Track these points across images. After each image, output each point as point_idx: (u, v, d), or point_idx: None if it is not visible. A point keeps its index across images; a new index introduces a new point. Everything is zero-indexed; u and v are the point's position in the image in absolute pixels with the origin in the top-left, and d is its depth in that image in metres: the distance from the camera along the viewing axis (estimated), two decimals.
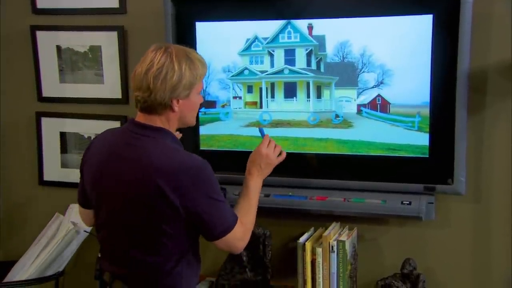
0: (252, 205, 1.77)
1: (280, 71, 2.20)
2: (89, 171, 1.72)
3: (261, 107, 2.25)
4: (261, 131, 1.94)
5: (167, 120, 1.65)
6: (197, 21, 2.25)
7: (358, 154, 2.14)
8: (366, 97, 2.11)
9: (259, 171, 1.83)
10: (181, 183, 1.55)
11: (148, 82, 1.57)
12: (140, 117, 1.65)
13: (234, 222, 1.65)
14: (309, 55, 2.15)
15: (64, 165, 2.63)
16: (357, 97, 2.12)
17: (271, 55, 2.20)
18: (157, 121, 1.64)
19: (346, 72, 2.12)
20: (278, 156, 1.88)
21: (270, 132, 2.19)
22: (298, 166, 2.21)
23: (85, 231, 2.33)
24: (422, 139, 2.06)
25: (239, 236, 1.68)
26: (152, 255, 1.63)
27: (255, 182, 1.82)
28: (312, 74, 2.16)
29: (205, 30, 2.26)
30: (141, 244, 1.63)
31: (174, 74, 1.57)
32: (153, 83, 1.57)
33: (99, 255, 1.79)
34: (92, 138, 2.57)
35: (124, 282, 1.69)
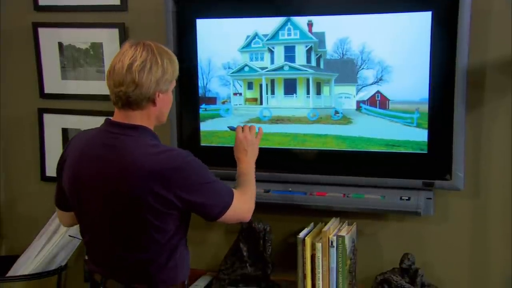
0: (248, 180, 1.85)
1: (280, 68, 2.20)
2: (67, 175, 1.69)
3: (261, 103, 2.25)
4: (231, 128, 2.03)
5: (148, 116, 1.63)
6: (198, 18, 2.25)
7: (357, 150, 2.15)
8: (366, 94, 2.11)
9: (246, 154, 1.91)
10: (171, 179, 1.55)
11: (133, 76, 1.56)
12: (118, 116, 1.63)
13: (231, 198, 1.69)
14: (309, 51, 2.16)
15: None
16: (357, 94, 2.13)
17: (271, 52, 2.20)
18: (136, 118, 1.62)
19: (346, 69, 2.12)
20: (257, 134, 1.97)
21: (270, 128, 2.24)
22: (298, 162, 2.22)
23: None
24: (420, 135, 2.06)
25: (240, 207, 1.73)
26: (144, 252, 1.62)
27: (246, 164, 1.90)
28: (312, 71, 2.17)
29: (205, 27, 2.26)
30: (132, 243, 1.62)
31: (158, 68, 1.58)
32: (139, 76, 1.56)
33: (86, 258, 1.78)
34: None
35: (117, 280, 1.67)
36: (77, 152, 1.67)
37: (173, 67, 1.63)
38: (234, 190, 1.74)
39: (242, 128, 1.96)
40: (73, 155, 1.68)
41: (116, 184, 1.57)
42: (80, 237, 2.22)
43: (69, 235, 2.38)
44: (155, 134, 1.68)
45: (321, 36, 2.13)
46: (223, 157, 2.24)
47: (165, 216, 1.59)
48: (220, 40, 2.25)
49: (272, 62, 2.21)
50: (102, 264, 1.71)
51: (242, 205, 1.75)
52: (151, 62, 1.57)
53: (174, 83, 1.68)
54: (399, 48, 2.05)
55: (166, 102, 1.66)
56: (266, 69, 2.23)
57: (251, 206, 1.81)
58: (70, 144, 1.74)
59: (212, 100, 2.30)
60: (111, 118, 1.66)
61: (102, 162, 1.59)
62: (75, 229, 2.35)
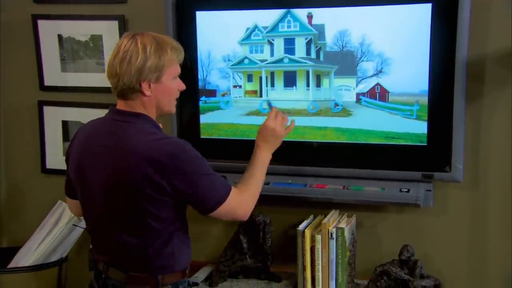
0: (254, 174, 1.78)
1: (280, 60, 2.20)
2: (73, 162, 1.73)
3: (261, 96, 2.25)
4: (269, 104, 1.95)
5: (144, 106, 1.65)
6: (197, 10, 2.25)
7: (357, 142, 2.15)
8: (365, 86, 2.11)
9: (267, 144, 1.85)
10: (166, 166, 1.56)
11: (115, 67, 1.60)
12: (120, 105, 1.67)
13: (226, 192, 1.66)
14: (308, 44, 2.15)
15: None
16: (356, 86, 2.12)
17: (271, 44, 2.20)
18: (135, 107, 1.65)
19: (346, 61, 2.12)
20: (286, 128, 1.90)
21: None
22: (297, 154, 2.22)
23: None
24: (420, 127, 2.06)
25: (235, 205, 1.69)
26: (141, 238, 1.63)
27: (261, 154, 1.83)
28: (311, 63, 2.17)
29: (205, 19, 2.25)
30: (129, 228, 1.64)
31: (138, 57, 1.59)
32: (119, 67, 1.59)
33: (91, 247, 1.80)
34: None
35: (118, 268, 1.69)
36: (82, 140, 1.71)
37: (159, 55, 1.61)
38: (233, 187, 1.71)
39: (276, 113, 1.88)
40: (78, 143, 1.72)
41: (115, 170, 1.59)
42: (82, 226, 2.25)
43: (73, 224, 2.39)
44: (155, 123, 1.69)
45: (320, 28, 2.13)
46: (223, 150, 2.25)
47: (160, 203, 1.60)
48: (219, 32, 2.24)
49: (272, 54, 2.21)
50: (104, 252, 1.73)
51: (238, 204, 1.70)
52: (131, 52, 1.59)
53: (171, 71, 1.65)
54: (399, 40, 2.04)
55: (161, 91, 1.65)
56: (266, 62, 2.22)
57: (249, 206, 1.75)
58: (78, 133, 1.78)
59: (212, 93, 2.30)
60: (115, 106, 1.69)
61: (103, 149, 1.63)
62: (76, 219, 2.37)
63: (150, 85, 1.62)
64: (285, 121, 1.90)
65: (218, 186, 1.66)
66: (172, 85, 1.69)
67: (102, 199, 1.65)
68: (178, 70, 1.70)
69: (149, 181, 1.56)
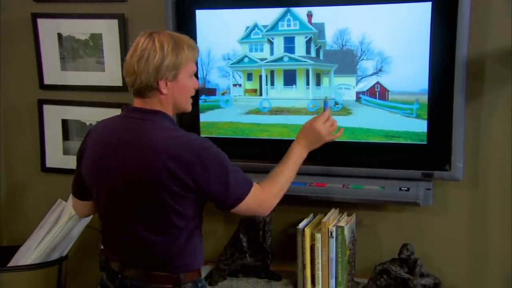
0: (283, 172, 1.76)
1: (280, 59, 2.20)
2: (89, 160, 1.71)
3: (260, 94, 2.25)
4: (325, 103, 1.89)
5: (161, 104, 1.65)
6: (197, 9, 2.24)
7: (357, 141, 2.14)
8: (365, 85, 2.11)
9: (307, 142, 1.83)
10: (189, 163, 1.56)
11: (133, 65, 1.60)
12: (137, 103, 1.67)
13: (247, 190, 1.65)
14: (308, 42, 2.15)
15: (66, 152, 2.64)
16: (356, 85, 2.12)
17: (271, 43, 2.20)
18: (153, 105, 1.65)
19: (345, 60, 2.11)
20: (333, 134, 1.87)
21: (269, 119, 2.23)
22: None
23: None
24: (420, 126, 2.06)
25: (256, 203, 1.68)
26: (164, 235, 1.63)
27: (298, 151, 1.81)
28: (311, 62, 2.16)
29: (205, 18, 2.25)
30: (152, 226, 1.63)
31: (156, 55, 1.59)
32: (137, 65, 1.59)
33: (102, 247, 1.78)
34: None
35: (136, 268, 1.68)
36: (96, 138, 1.71)
37: (177, 54, 1.61)
38: (256, 183, 1.69)
39: (327, 117, 1.84)
40: (92, 142, 1.72)
41: (136, 166, 1.59)
42: (96, 228, 2.24)
43: (87, 225, 2.39)
44: (173, 120, 1.70)
45: (320, 27, 2.13)
46: (223, 149, 2.23)
47: (183, 199, 1.60)
48: (219, 31, 2.24)
49: (271, 53, 2.21)
50: (120, 252, 1.71)
51: (258, 202, 1.69)
52: (149, 51, 1.59)
53: (188, 69, 1.66)
54: (399, 38, 2.04)
55: (177, 89, 1.65)
56: (266, 60, 2.22)
57: (271, 204, 1.74)
58: (90, 132, 1.78)
59: (212, 91, 2.29)
60: (131, 104, 1.70)
61: (123, 146, 1.62)
62: (75, 221, 2.36)
63: (167, 83, 1.63)
64: (334, 128, 1.87)
65: (239, 183, 1.64)
66: (189, 83, 1.68)
67: (123, 196, 1.64)
68: (194, 68, 1.70)
69: (173, 177, 1.56)
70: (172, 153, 1.56)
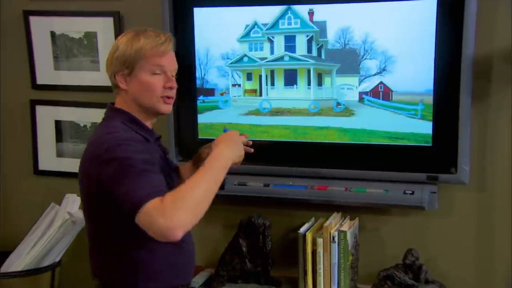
0: (196, 179, 1.39)
1: (280, 58, 2.18)
2: None
3: (260, 95, 2.23)
4: (224, 130, 1.70)
5: (125, 101, 1.59)
6: (195, 6, 2.23)
7: (359, 143, 2.13)
8: (368, 85, 2.10)
9: (224, 146, 1.51)
10: (99, 160, 1.44)
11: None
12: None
13: (145, 196, 1.33)
14: (309, 41, 2.14)
15: (59, 154, 2.61)
16: (359, 85, 2.11)
17: (271, 42, 2.18)
18: (118, 102, 1.61)
19: (348, 59, 2.11)
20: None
21: (269, 120, 2.23)
22: (298, 155, 2.20)
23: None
24: (425, 128, 2.05)
25: (156, 213, 1.31)
26: (98, 241, 1.57)
27: (217, 154, 1.48)
28: (313, 61, 2.15)
29: (203, 16, 2.23)
30: (90, 232, 1.60)
31: (112, 49, 1.57)
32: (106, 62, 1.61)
33: None
34: (88, 127, 2.54)
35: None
36: None
37: (129, 46, 1.54)
38: (161, 195, 1.35)
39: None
40: None
41: (80, 173, 1.56)
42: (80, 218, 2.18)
43: (67, 211, 2.35)
44: (132, 119, 1.58)
45: (322, 25, 2.11)
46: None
47: (102, 206, 1.49)
48: (218, 29, 2.23)
49: (272, 52, 2.19)
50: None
51: (160, 211, 1.31)
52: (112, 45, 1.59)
53: (145, 64, 1.54)
54: (403, 37, 2.03)
55: (137, 85, 1.56)
56: (266, 60, 2.21)
57: (177, 218, 1.31)
58: None
59: (210, 92, 2.28)
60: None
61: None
62: (69, 225, 2.32)
63: (126, 78, 1.57)
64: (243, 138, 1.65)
65: (139, 187, 1.36)
66: (151, 79, 1.56)
67: (83, 200, 1.61)
68: (157, 62, 1.55)
69: (90, 179, 1.48)
70: (92, 152, 1.49)
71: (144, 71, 1.55)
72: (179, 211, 1.31)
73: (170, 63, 1.59)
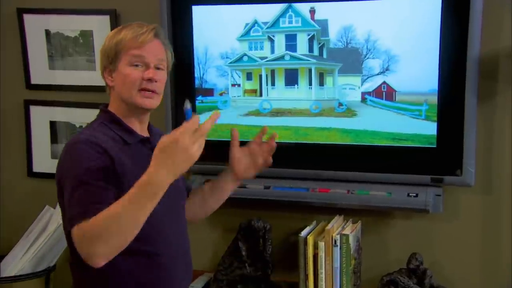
0: (116, 212, 1.27)
1: (281, 58, 2.17)
2: None
3: (261, 95, 2.22)
4: (187, 112, 1.38)
5: (114, 99, 1.56)
6: (194, 4, 2.22)
7: (362, 144, 2.12)
8: (371, 85, 2.09)
9: (157, 162, 1.26)
10: (59, 163, 1.47)
11: None
12: None
13: (75, 217, 1.31)
14: (311, 40, 2.13)
15: (54, 155, 2.58)
16: (362, 85, 2.10)
17: (271, 41, 2.17)
18: (110, 102, 1.58)
19: (350, 58, 2.10)
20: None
21: (270, 121, 2.21)
22: (299, 157, 2.19)
23: None
24: (429, 128, 2.04)
25: (76, 240, 1.30)
26: (73, 261, 1.48)
27: (150, 181, 1.26)
28: (314, 61, 2.14)
29: (201, 14, 2.22)
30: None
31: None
32: None
33: None
34: (83, 128, 2.50)
35: None
36: None
37: (112, 39, 1.51)
38: (92, 214, 1.29)
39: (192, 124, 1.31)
40: None
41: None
42: None
43: None
44: (114, 118, 1.53)
45: (324, 24, 2.10)
46: (221, 152, 2.17)
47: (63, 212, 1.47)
48: (217, 28, 2.22)
49: (272, 51, 2.18)
50: None
51: (79, 237, 1.30)
52: None
53: (126, 57, 1.48)
54: (406, 36, 2.02)
55: (119, 79, 1.51)
56: (266, 59, 2.19)
57: (85, 247, 1.28)
58: None
59: (209, 92, 2.26)
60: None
61: None
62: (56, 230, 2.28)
63: (112, 74, 1.54)
64: (202, 139, 1.31)
65: (78, 203, 1.33)
66: (128, 71, 1.49)
67: None
68: (135, 53, 1.49)
69: (57, 182, 1.47)
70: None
71: (124, 63, 1.50)
72: (95, 243, 1.27)
73: (152, 54, 1.51)
